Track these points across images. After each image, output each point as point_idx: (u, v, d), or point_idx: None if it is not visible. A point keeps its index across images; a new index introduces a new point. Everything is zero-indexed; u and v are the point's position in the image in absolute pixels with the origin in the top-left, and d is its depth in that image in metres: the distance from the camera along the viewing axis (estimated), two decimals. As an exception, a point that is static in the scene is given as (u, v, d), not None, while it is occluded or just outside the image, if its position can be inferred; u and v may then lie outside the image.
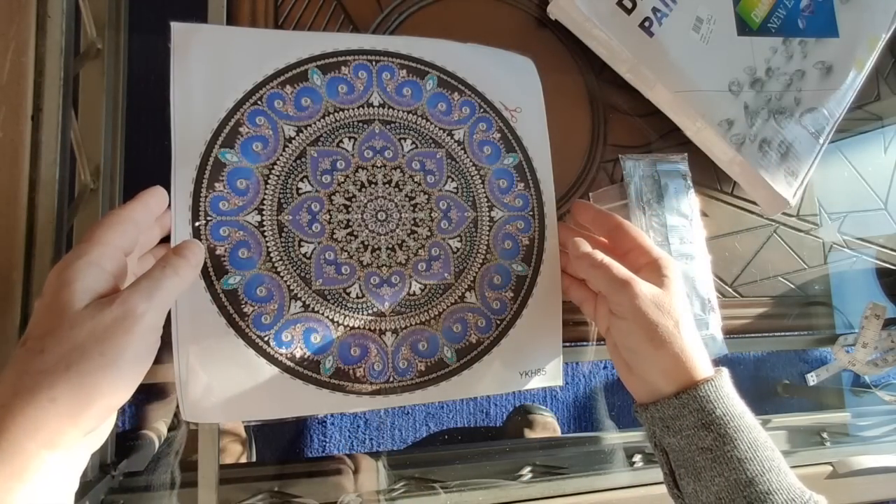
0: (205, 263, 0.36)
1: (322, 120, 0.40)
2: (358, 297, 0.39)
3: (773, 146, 0.50)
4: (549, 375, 0.43)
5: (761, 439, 0.34)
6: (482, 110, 0.44)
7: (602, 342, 0.45)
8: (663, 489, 0.37)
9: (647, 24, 0.47)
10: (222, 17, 0.42)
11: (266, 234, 0.38)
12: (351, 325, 0.39)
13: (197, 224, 0.37)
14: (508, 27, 0.49)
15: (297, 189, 0.39)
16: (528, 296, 0.43)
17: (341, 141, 0.41)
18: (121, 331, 0.27)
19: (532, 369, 0.43)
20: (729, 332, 0.50)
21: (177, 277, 0.31)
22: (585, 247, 0.40)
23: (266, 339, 0.37)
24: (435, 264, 0.41)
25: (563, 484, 0.48)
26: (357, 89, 0.42)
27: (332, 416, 0.96)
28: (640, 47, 0.47)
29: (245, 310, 0.37)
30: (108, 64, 0.46)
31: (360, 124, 0.41)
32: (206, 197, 0.37)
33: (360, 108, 0.42)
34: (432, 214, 0.42)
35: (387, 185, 0.41)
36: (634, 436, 0.58)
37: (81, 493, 0.41)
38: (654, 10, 0.47)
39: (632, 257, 0.40)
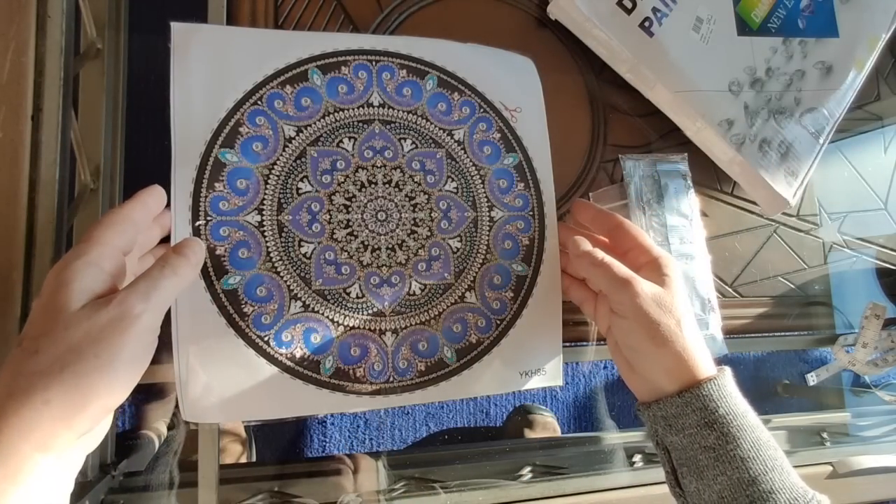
0: (205, 263, 0.36)
1: (322, 120, 0.40)
2: (358, 297, 0.39)
3: (773, 146, 0.50)
4: (549, 375, 0.43)
5: (764, 438, 0.34)
6: (482, 110, 0.44)
7: (602, 342, 0.45)
8: (663, 489, 0.37)
9: (647, 24, 0.47)
10: (222, 17, 0.42)
11: (266, 234, 0.38)
12: (351, 325, 0.39)
13: (197, 224, 0.37)
14: (508, 27, 0.49)
15: (297, 189, 0.39)
16: (528, 296, 0.43)
17: (341, 141, 0.41)
18: (117, 332, 0.27)
19: (532, 369, 0.43)
20: (729, 332, 0.50)
21: (176, 277, 0.31)
22: (586, 245, 0.39)
23: (266, 339, 0.37)
24: (435, 264, 0.41)
25: (563, 484, 0.48)
26: (357, 89, 0.42)
27: (332, 416, 0.96)
28: (640, 47, 0.47)
29: (245, 310, 0.37)
30: (108, 64, 0.46)
31: (360, 124, 0.41)
32: (206, 197, 0.37)
33: (360, 108, 0.42)
34: (432, 214, 0.42)
35: (387, 185, 0.41)
36: (634, 436, 0.58)
37: (81, 493, 0.41)
38: (654, 10, 0.47)
39: (632, 256, 0.40)
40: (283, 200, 0.39)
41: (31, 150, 0.36)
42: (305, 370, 0.37)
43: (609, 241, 0.42)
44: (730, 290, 0.53)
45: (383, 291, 0.40)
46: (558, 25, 0.49)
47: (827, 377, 0.68)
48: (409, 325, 0.40)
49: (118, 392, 0.28)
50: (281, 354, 0.37)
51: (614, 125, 0.51)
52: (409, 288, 0.41)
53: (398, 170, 0.42)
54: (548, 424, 0.98)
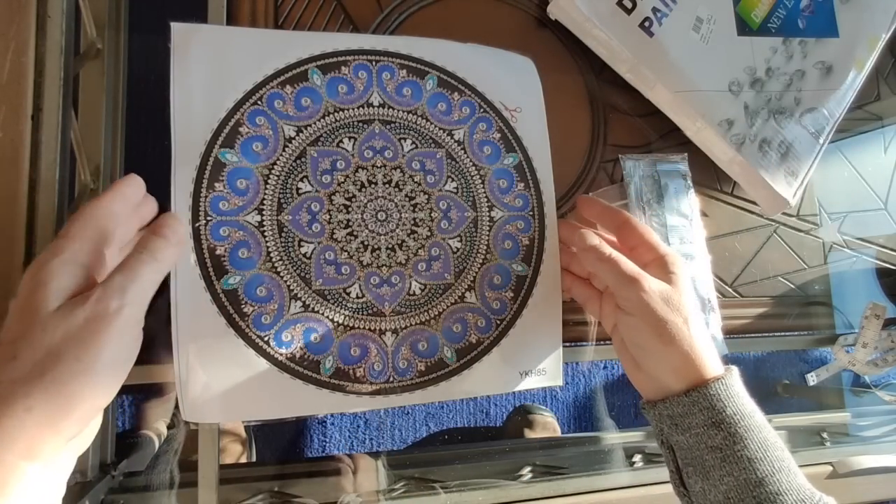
0: (205, 263, 0.36)
1: (322, 120, 0.40)
2: (358, 297, 0.39)
3: (773, 146, 0.50)
4: (549, 375, 0.43)
5: (771, 439, 0.34)
6: (482, 110, 0.44)
7: (602, 342, 0.45)
8: (663, 489, 0.37)
9: (647, 24, 0.47)
10: (222, 17, 0.42)
11: (266, 234, 0.38)
12: (351, 325, 0.39)
13: (197, 224, 0.37)
14: (508, 27, 0.49)
15: (297, 189, 0.39)
16: (528, 296, 0.43)
17: (341, 141, 0.41)
18: (96, 331, 0.26)
19: (532, 369, 0.43)
20: (729, 332, 0.50)
21: (155, 262, 0.29)
22: (593, 239, 0.39)
23: (266, 339, 0.37)
24: (435, 264, 0.41)
25: (563, 484, 0.48)
26: (357, 89, 0.42)
27: (332, 416, 0.96)
28: (640, 47, 0.47)
29: (245, 310, 0.37)
30: (108, 64, 0.46)
31: (360, 124, 0.41)
32: (206, 197, 0.37)
33: (360, 108, 0.42)
34: (432, 214, 0.42)
35: (387, 185, 0.41)
36: (634, 436, 0.58)
37: (81, 493, 0.41)
38: (654, 10, 0.47)
39: (638, 253, 0.39)
40: (283, 200, 0.39)
41: (31, 150, 0.36)
42: (305, 370, 0.37)
43: (615, 237, 0.42)
44: (730, 290, 0.53)
45: (383, 291, 0.40)
46: (558, 25, 0.49)
47: (827, 377, 0.68)
48: (409, 325, 0.40)
49: (104, 393, 0.27)
50: (281, 354, 0.37)
51: (614, 125, 0.51)
52: (409, 288, 0.41)
53: (398, 170, 0.42)
54: (548, 424, 0.98)
